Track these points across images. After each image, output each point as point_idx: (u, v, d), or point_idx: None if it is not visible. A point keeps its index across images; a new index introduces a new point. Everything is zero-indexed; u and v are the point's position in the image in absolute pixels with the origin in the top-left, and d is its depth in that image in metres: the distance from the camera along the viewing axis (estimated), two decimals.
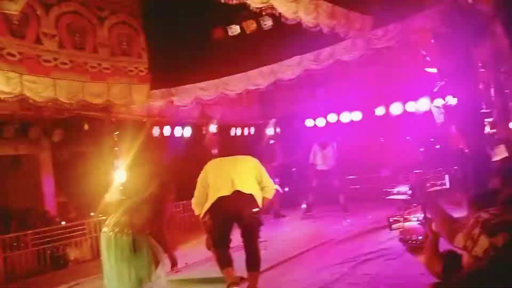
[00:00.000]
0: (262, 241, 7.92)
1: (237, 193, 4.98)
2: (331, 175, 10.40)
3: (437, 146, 9.80)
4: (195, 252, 5.48)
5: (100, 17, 6.98)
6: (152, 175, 4.68)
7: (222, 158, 5.51)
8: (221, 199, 4.96)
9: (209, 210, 5.02)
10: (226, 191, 4.97)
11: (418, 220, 2.24)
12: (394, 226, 2.50)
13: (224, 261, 5.00)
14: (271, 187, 5.30)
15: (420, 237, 2.19)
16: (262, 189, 5.18)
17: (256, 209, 5.03)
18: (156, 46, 7.58)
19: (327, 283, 5.11)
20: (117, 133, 8.95)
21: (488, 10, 5.59)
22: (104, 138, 8.80)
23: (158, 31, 7.46)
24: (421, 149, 10.05)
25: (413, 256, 2.26)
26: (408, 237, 2.23)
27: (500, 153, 5.27)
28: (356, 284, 5.00)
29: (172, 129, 10.11)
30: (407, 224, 2.26)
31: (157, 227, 4.33)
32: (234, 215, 5.02)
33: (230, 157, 5.42)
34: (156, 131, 9.64)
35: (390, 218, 2.53)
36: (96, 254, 8.32)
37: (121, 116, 8.68)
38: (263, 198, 5.17)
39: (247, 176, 5.15)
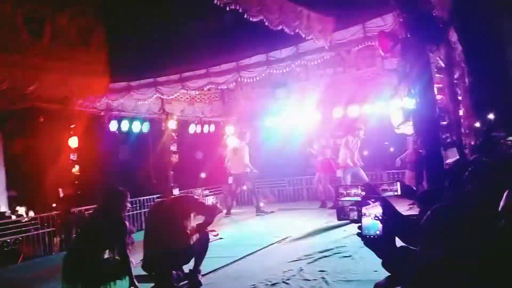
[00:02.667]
0: (219, 238, 7.95)
1: None
2: (243, 178, 10.85)
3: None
4: None
5: (59, 6, 6.79)
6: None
7: None
8: None
9: None
10: None
11: (375, 217, 2.31)
12: (342, 217, 2.59)
13: None
14: None
15: (378, 232, 2.27)
16: None
17: None
18: (117, 39, 7.44)
19: (284, 279, 5.18)
20: (73, 126, 8.72)
21: (445, 16, 5.79)
22: (60, 131, 8.56)
23: (119, 23, 7.33)
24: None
25: (370, 250, 2.33)
26: (366, 232, 2.31)
27: (452, 155, 5.49)
28: (312, 280, 5.08)
29: (131, 123, 9.89)
30: (364, 220, 2.33)
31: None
32: None
33: None
34: (114, 125, 9.42)
35: (338, 209, 2.63)
36: (48, 250, 8.10)
37: (78, 108, 8.47)
38: None
39: None
